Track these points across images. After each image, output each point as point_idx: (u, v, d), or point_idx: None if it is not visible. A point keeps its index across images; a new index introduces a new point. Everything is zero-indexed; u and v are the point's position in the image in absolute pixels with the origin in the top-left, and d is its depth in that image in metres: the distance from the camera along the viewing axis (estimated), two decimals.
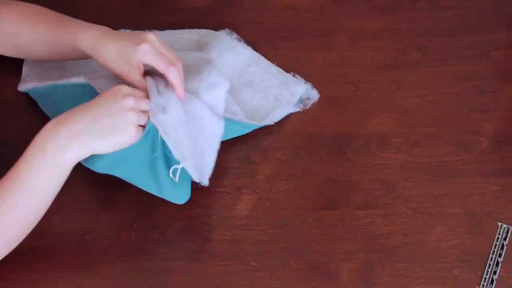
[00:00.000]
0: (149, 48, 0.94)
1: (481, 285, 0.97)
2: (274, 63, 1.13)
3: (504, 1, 1.19)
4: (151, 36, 0.95)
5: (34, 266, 0.97)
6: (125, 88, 0.93)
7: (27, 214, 0.92)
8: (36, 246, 0.98)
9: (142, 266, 0.98)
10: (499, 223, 1.01)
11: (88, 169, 0.97)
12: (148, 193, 1.00)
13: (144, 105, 0.93)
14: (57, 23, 1.02)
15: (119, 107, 0.91)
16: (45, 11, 1.05)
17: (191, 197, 1.02)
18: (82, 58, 1.03)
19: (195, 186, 1.03)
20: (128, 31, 1.12)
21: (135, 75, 0.96)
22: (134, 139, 0.92)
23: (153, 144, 0.94)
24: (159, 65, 0.94)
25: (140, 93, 0.94)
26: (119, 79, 0.98)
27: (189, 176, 0.97)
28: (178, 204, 1.01)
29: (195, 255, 0.99)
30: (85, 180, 1.01)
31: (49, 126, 0.91)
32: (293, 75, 1.12)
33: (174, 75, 0.94)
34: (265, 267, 0.98)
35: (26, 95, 1.10)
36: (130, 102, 0.91)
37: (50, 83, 1.05)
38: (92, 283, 0.97)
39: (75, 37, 0.98)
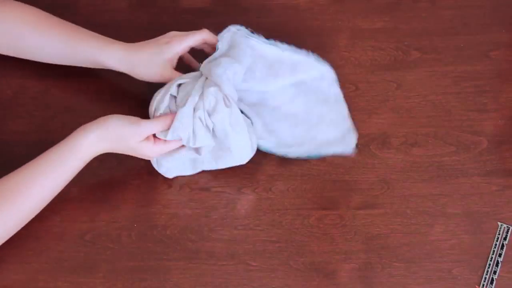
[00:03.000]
0: (178, 39, 1.01)
1: (481, 285, 0.97)
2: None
3: (504, 1, 1.18)
4: (173, 32, 1.03)
5: (34, 266, 0.97)
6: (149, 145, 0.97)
7: (36, 203, 0.95)
8: (36, 246, 0.98)
9: (142, 266, 0.98)
10: (499, 223, 1.01)
11: (87, 169, 0.97)
12: (148, 192, 1.00)
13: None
14: (75, 33, 1.05)
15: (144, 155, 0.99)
16: (51, 16, 1.06)
17: (191, 197, 1.02)
18: (95, 67, 1.06)
19: (196, 186, 1.03)
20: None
21: (167, 72, 1.02)
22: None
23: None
24: (192, 39, 1.01)
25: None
26: None
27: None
28: (178, 204, 1.01)
29: (195, 255, 0.99)
30: (85, 180, 1.00)
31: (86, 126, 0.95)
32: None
33: (207, 33, 1.01)
34: (265, 267, 0.98)
35: (25, 95, 1.10)
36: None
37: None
38: (92, 283, 0.97)
39: (101, 54, 1.03)
